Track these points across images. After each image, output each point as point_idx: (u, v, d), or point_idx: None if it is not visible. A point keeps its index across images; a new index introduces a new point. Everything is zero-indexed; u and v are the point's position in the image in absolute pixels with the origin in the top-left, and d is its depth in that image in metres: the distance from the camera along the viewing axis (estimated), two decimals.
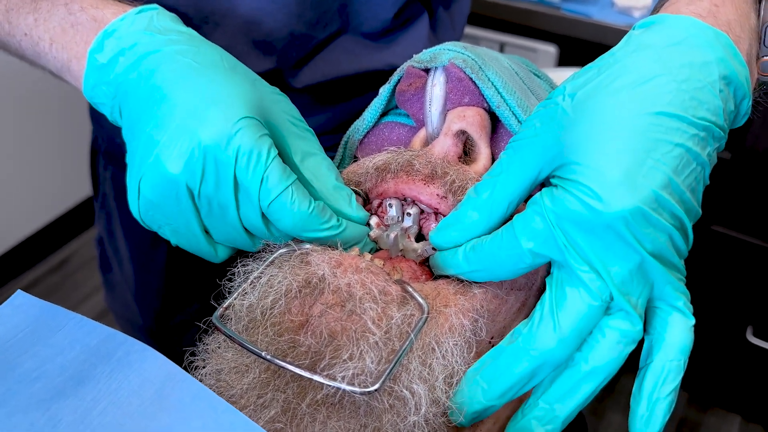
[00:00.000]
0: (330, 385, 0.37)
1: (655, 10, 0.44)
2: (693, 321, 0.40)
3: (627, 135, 0.36)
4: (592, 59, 0.41)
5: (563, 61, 1.40)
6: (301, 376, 0.37)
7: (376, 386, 0.37)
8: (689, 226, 0.39)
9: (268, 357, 0.38)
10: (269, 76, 0.65)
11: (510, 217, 0.41)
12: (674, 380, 0.39)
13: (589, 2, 1.38)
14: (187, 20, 0.63)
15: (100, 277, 0.92)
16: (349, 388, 0.37)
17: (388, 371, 0.37)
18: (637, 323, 0.39)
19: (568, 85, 0.40)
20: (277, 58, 0.65)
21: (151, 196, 0.43)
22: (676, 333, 0.39)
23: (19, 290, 0.45)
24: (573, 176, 0.37)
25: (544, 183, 0.41)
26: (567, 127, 0.38)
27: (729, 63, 0.38)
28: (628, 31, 0.42)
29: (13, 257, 1.84)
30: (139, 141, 0.42)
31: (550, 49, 1.40)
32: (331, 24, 0.66)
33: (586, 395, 0.40)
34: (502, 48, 1.44)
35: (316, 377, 0.37)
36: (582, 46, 1.34)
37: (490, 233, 0.42)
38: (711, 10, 0.40)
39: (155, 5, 0.46)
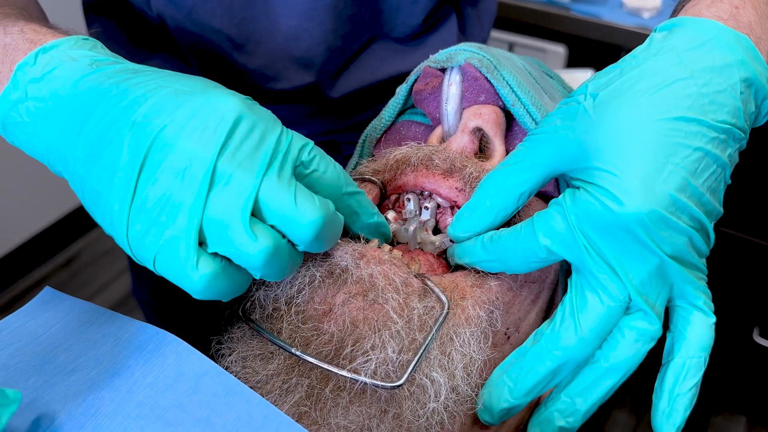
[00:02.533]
0: (356, 380, 0.38)
1: (675, 12, 0.45)
2: (713, 319, 0.41)
3: (647, 140, 0.37)
4: (601, 60, 0.43)
5: (572, 62, 1.40)
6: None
7: (401, 381, 0.38)
8: (710, 226, 0.39)
9: (297, 353, 0.39)
10: (308, 90, 0.68)
11: (520, 211, 0.42)
12: (695, 376, 0.40)
13: (599, 3, 1.39)
14: (230, 40, 0.64)
15: (128, 264, 0.91)
16: (374, 382, 0.38)
17: (412, 365, 0.39)
18: (655, 322, 0.39)
19: (590, 85, 0.40)
20: (317, 72, 0.67)
21: (154, 178, 0.36)
22: (697, 330, 0.40)
23: (47, 287, 0.46)
24: (594, 180, 0.38)
25: (559, 180, 0.42)
26: (588, 128, 0.39)
27: (750, 65, 0.39)
28: (637, 32, 0.43)
29: (21, 254, 1.84)
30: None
31: (560, 50, 1.40)
32: (365, 34, 0.68)
33: (606, 390, 0.41)
34: (511, 48, 1.45)
35: (342, 372, 0.38)
36: (591, 46, 1.34)
37: (501, 223, 0.43)
38: (732, 12, 0.41)
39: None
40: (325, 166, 0.39)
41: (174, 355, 0.40)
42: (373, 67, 0.69)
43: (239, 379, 0.42)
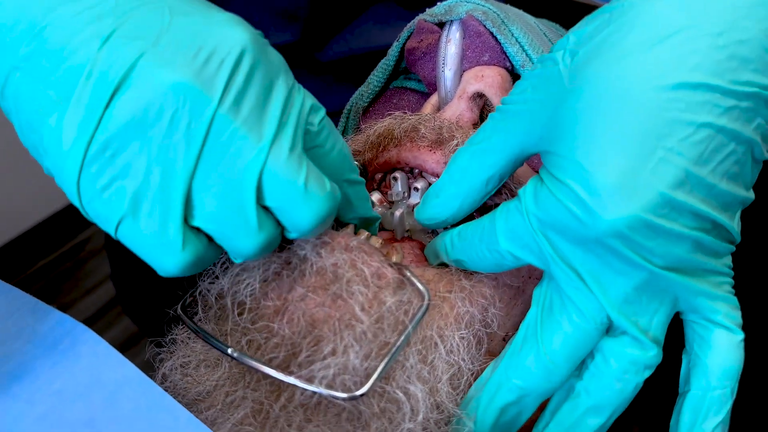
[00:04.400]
0: (305, 389, 0.31)
1: None
2: (741, 336, 0.33)
3: (632, 119, 0.29)
4: None
5: None
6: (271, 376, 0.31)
7: (363, 390, 0.31)
8: (726, 221, 0.31)
9: (235, 355, 0.32)
10: (293, 50, 0.60)
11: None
12: (719, 412, 0.33)
13: None
14: None
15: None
16: (327, 392, 0.31)
17: (378, 370, 0.31)
18: (649, 348, 0.32)
19: (572, 37, 0.32)
20: (301, 28, 0.59)
21: (128, 115, 0.28)
22: (719, 353, 0.33)
23: None
24: (559, 174, 0.30)
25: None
26: (560, 99, 0.31)
27: None
28: None
29: (23, 244, 1.83)
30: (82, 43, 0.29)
31: None
32: None
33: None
34: None
35: (290, 379, 0.31)
36: None
37: (471, 210, 0.37)
38: None
39: None
40: (332, 143, 0.33)
41: (90, 356, 0.34)
42: (370, 32, 0.62)
43: (177, 390, 0.37)
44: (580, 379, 0.34)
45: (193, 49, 0.28)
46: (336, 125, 0.52)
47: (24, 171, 1.79)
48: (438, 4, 0.46)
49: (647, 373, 0.33)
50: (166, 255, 0.29)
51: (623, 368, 0.32)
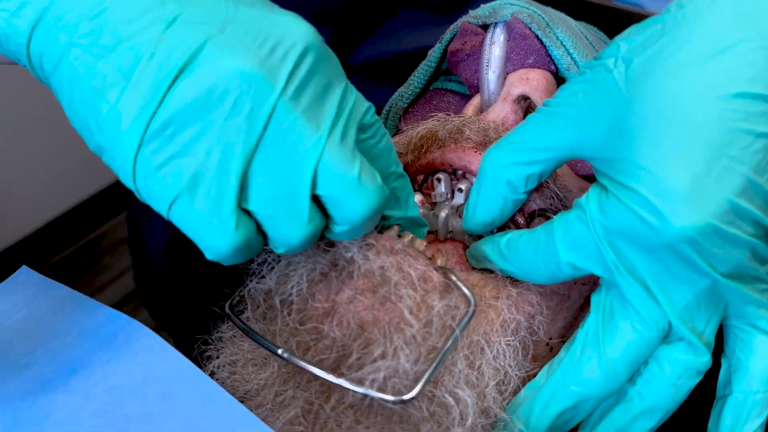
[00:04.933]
0: (357, 392, 0.31)
1: None
2: None
3: (695, 128, 0.30)
4: None
5: None
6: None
7: (412, 394, 0.31)
8: None
9: (285, 355, 0.33)
10: None
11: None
12: (760, 416, 0.34)
13: None
14: None
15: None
16: (379, 395, 0.31)
17: (427, 375, 0.31)
18: (703, 354, 0.33)
19: (623, 45, 0.33)
20: (332, 32, 0.60)
21: (192, 97, 0.29)
22: (761, 359, 0.34)
23: (23, 266, 0.42)
24: (627, 181, 0.31)
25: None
26: (620, 107, 0.32)
27: None
28: None
29: (39, 239, 1.84)
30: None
31: None
32: None
33: None
34: None
35: (340, 381, 0.31)
36: None
37: (514, 210, 0.37)
38: None
39: None
40: (381, 135, 0.33)
41: (145, 351, 0.34)
42: (400, 35, 0.62)
43: (225, 387, 0.36)
44: (633, 384, 0.34)
45: (259, 38, 0.29)
46: None
47: (39, 167, 1.80)
48: (481, 6, 0.46)
49: (699, 378, 0.34)
50: (219, 235, 0.29)
51: (677, 374, 0.33)
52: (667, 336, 0.33)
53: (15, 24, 0.29)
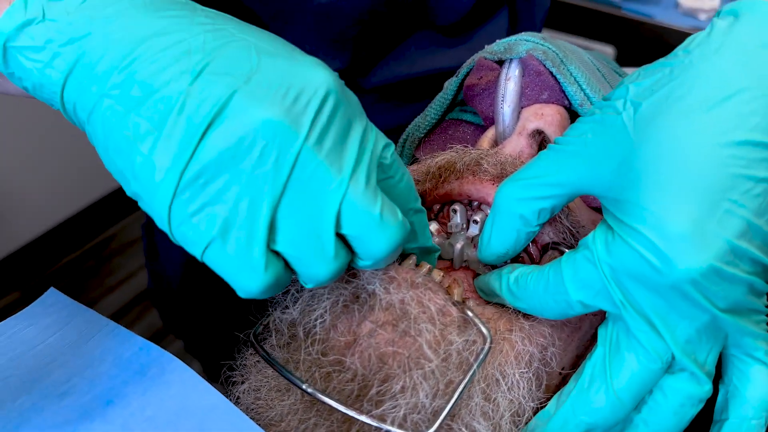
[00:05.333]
0: (381, 428, 0.33)
1: None
2: None
3: (699, 173, 0.31)
4: (651, 62, 0.35)
5: (621, 63, 1.33)
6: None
7: (431, 430, 0.32)
8: None
9: (310, 391, 0.34)
10: (341, 77, 0.62)
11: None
12: None
13: (651, 2, 1.31)
14: (255, 18, 0.59)
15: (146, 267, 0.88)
16: (399, 431, 0.33)
17: (446, 411, 0.33)
18: (704, 384, 0.34)
19: (632, 88, 0.34)
20: (349, 57, 0.61)
21: (222, 148, 0.30)
22: (757, 387, 0.35)
23: (51, 288, 0.43)
24: (632, 222, 0.32)
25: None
26: (627, 149, 0.33)
27: None
28: (691, 34, 0.35)
29: (49, 241, 1.85)
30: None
31: (608, 50, 1.33)
32: (405, 18, 0.61)
33: None
34: None
35: (363, 418, 0.33)
36: (642, 47, 1.26)
37: (528, 241, 0.38)
38: None
39: None
40: (401, 174, 0.35)
41: (179, 384, 0.35)
42: (413, 58, 0.63)
43: (251, 413, 0.38)
44: (638, 413, 0.35)
45: (283, 88, 0.30)
46: None
47: (49, 170, 1.81)
48: (497, 41, 0.47)
49: (701, 406, 0.35)
50: (250, 277, 0.31)
51: (680, 402, 0.34)
52: (670, 367, 0.34)
53: (48, 74, 0.31)
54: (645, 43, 1.25)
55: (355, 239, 0.32)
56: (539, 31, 0.74)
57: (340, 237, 0.32)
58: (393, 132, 0.63)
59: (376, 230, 0.32)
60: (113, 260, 1.80)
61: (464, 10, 0.62)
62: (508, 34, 0.67)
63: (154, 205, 0.30)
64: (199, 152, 0.29)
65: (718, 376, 0.36)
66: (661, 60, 0.34)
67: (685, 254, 0.31)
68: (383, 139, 0.33)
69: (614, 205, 0.34)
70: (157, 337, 1.45)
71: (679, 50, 0.34)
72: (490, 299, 0.40)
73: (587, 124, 0.35)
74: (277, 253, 0.31)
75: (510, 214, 0.37)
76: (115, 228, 1.97)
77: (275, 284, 0.32)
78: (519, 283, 0.37)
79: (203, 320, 0.80)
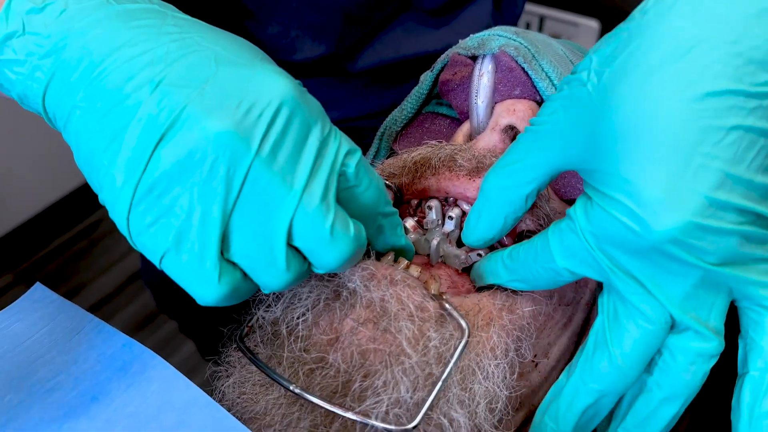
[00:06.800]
0: (363, 423, 0.34)
1: None
2: None
3: (667, 132, 0.30)
4: None
5: None
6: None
7: (414, 423, 0.34)
8: (767, 211, 0.33)
9: (297, 391, 0.35)
10: (325, 62, 0.62)
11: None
12: None
13: None
14: (241, 8, 0.59)
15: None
16: (382, 425, 0.34)
17: (427, 404, 0.34)
18: (711, 340, 0.34)
19: (595, 58, 0.33)
20: (334, 43, 0.61)
21: (173, 160, 0.30)
22: None
23: (38, 283, 0.43)
24: (608, 190, 0.32)
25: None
26: (594, 119, 0.33)
27: None
28: None
29: (39, 223, 1.84)
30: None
31: (593, 24, 1.32)
32: (390, 3, 0.61)
33: (667, 420, 0.36)
34: (542, 21, 1.37)
35: (349, 414, 0.34)
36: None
37: (514, 225, 0.39)
38: None
39: None
40: (368, 182, 0.35)
41: (160, 380, 0.36)
42: (400, 41, 0.63)
43: (235, 408, 0.39)
44: (650, 375, 0.36)
45: (236, 99, 0.30)
46: (369, 143, 0.54)
47: (38, 151, 1.80)
48: (471, 36, 0.47)
49: (713, 361, 0.35)
50: (205, 286, 0.32)
51: (690, 360, 0.34)
52: (674, 326, 0.34)
53: (30, 86, 0.31)
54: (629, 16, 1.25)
55: (308, 251, 0.33)
56: (521, 10, 0.73)
57: (295, 248, 0.33)
58: (382, 114, 0.63)
59: (326, 245, 0.32)
60: (105, 241, 1.80)
61: None
62: (493, 16, 0.67)
63: (115, 215, 0.32)
64: (152, 165, 0.30)
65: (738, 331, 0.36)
66: (620, 25, 0.34)
67: (660, 215, 0.31)
68: (347, 146, 0.34)
69: (590, 176, 0.34)
70: (151, 318, 1.46)
71: (636, 12, 0.33)
72: (483, 282, 0.40)
73: (557, 101, 0.35)
74: (235, 264, 0.32)
75: (498, 201, 0.38)
76: (105, 209, 1.95)
77: (232, 294, 0.32)
78: (512, 256, 0.38)
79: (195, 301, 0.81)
